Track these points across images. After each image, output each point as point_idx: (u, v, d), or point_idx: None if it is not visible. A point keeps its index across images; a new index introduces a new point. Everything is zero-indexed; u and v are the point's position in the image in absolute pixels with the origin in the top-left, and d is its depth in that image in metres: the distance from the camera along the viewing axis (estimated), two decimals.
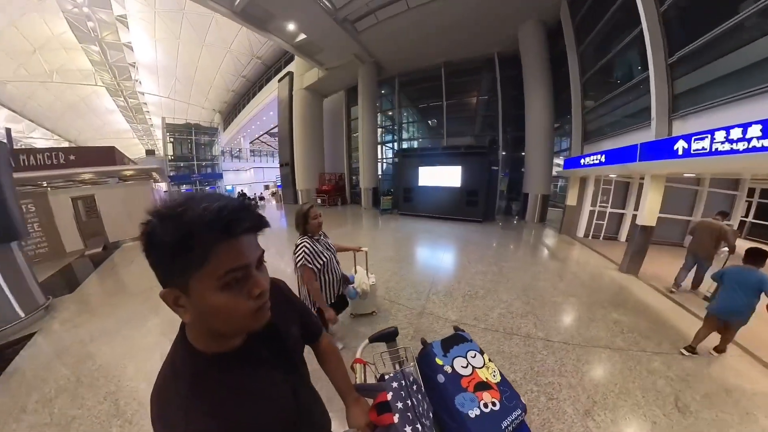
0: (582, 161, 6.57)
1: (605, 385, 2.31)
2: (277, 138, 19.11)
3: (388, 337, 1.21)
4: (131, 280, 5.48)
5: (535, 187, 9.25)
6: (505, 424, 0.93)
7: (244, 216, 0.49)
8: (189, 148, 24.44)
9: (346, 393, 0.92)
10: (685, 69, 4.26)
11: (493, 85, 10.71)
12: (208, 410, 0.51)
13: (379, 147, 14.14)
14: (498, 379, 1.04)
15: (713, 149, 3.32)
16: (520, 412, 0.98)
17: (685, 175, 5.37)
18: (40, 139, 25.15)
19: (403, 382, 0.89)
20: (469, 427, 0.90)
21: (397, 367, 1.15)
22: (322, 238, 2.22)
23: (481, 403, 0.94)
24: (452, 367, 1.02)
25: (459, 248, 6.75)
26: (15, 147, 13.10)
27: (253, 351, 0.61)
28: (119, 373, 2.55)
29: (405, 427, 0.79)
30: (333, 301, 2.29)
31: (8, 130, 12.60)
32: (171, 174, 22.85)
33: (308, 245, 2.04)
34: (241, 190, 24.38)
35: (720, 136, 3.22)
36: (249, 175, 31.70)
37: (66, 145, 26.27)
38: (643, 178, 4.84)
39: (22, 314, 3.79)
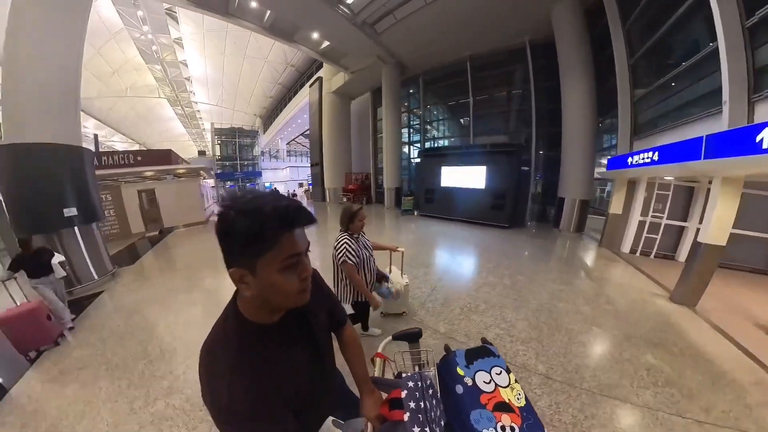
0: (629, 160, 5.39)
1: None
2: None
3: (411, 337, 1.21)
4: (178, 258, 6.81)
5: (573, 190, 7.98)
6: None
7: (301, 214, 0.59)
8: (233, 149, 27.00)
9: (363, 383, 0.96)
10: None
11: (524, 77, 9.44)
12: (249, 369, 0.60)
13: (406, 147, 14.13)
14: (522, 403, 0.93)
15: None
16: None
17: None
18: (119, 142, 29.79)
19: (419, 383, 0.88)
20: None
21: (417, 368, 1.17)
22: (361, 237, 2.30)
23: (499, 425, 0.86)
24: (473, 380, 0.95)
25: (473, 255, 6.26)
26: (99, 150, 16.28)
27: (288, 327, 0.70)
28: (153, 328, 3.42)
29: (414, 427, 0.78)
30: (365, 299, 2.33)
31: (96, 136, 15.52)
32: (218, 172, 25.64)
33: (348, 242, 2.13)
34: (289, 191, 26.47)
35: None
36: (285, 174, 33.93)
37: (137, 147, 30.82)
38: (711, 182, 3.66)
39: (95, 277, 5.07)
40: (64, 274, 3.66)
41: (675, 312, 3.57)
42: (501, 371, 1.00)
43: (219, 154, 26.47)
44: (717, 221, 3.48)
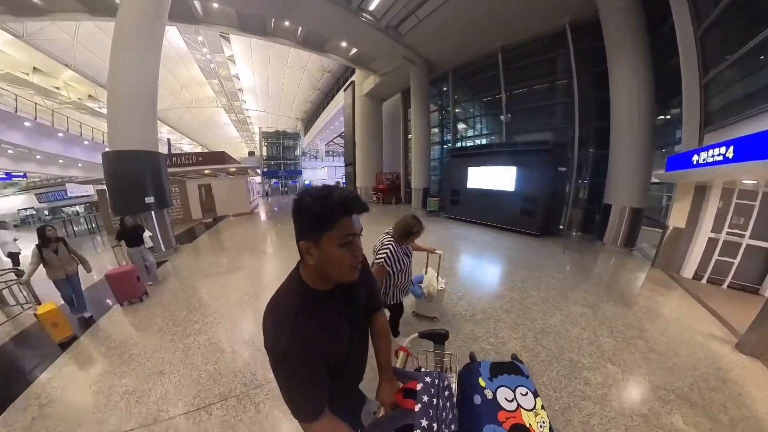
0: (694, 158, 4.12)
1: None
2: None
3: (437, 338, 1.22)
4: (225, 241, 8.32)
5: (622, 196, 6.65)
6: None
7: (359, 202, 0.74)
8: (278, 150, 29.82)
9: (384, 370, 1.04)
10: None
11: (565, 65, 8.17)
12: (304, 323, 0.74)
13: (438, 147, 13.91)
14: (545, 431, 0.86)
15: None
16: None
17: None
18: (186, 145, 35.00)
19: (436, 381, 0.90)
20: None
21: (438, 370, 1.17)
22: (405, 245, 2.28)
23: None
24: (494, 393, 0.90)
25: (488, 262, 5.87)
26: (172, 151, 19.54)
27: (336, 296, 0.83)
28: (197, 290, 4.57)
29: (422, 419, 0.80)
30: (398, 302, 2.38)
31: (168, 140, 18.78)
32: (264, 170, 28.56)
33: (392, 249, 2.10)
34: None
35: None
36: (323, 173, 36.12)
37: (200, 148, 36.14)
38: None
39: (163, 249, 6.65)
40: (152, 244, 4.89)
41: (739, 365, 2.62)
42: (527, 393, 0.92)
43: (265, 154, 29.32)
44: None
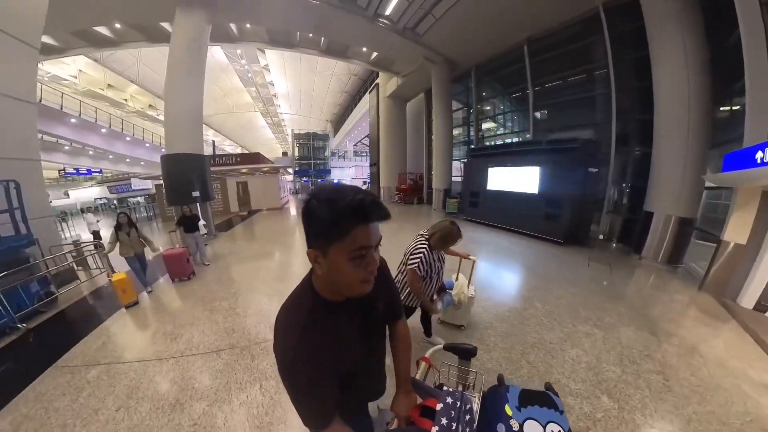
0: (759, 155, 3.29)
1: None
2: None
3: (464, 353, 1.13)
4: (257, 231, 9.53)
5: (667, 202, 5.54)
6: None
7: (377, 209, 0.61)
8: (308, 151, 31.67)
9: (402, 380, 0.99)
10: None
11: (600, 52, 7.18)
12: (313, 335, 0.69)
13: (465, 147, 13.37)
14: None
15: None
16: None
17: None
18: (228, 146, 38.55)
19: (458, 403, 0.83)
20: None
21: (460, 387, 1.10)
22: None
23: None
24: (521, 426, 0.80)
25: (498, 267, 5.49)
26: (216, 152, 22.18)
27: (349, 308, 0.76)
28: (229, 269, 5.45)
29: None
30: (412, 304, 2.32)
31: (213, 142, 21.14)
32: (296, 169, 30.40)
33: (426, 253, 2.05)
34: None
35: None
36: (351, 172, 37.40)
37: (240, 149, 39.41)
38: None
39: (205, 235, 7.81)
40: (205, 232, 6.04)
41: None
42: (560, 431, 0.81)
43: (297, 154, 31.23)
44: None
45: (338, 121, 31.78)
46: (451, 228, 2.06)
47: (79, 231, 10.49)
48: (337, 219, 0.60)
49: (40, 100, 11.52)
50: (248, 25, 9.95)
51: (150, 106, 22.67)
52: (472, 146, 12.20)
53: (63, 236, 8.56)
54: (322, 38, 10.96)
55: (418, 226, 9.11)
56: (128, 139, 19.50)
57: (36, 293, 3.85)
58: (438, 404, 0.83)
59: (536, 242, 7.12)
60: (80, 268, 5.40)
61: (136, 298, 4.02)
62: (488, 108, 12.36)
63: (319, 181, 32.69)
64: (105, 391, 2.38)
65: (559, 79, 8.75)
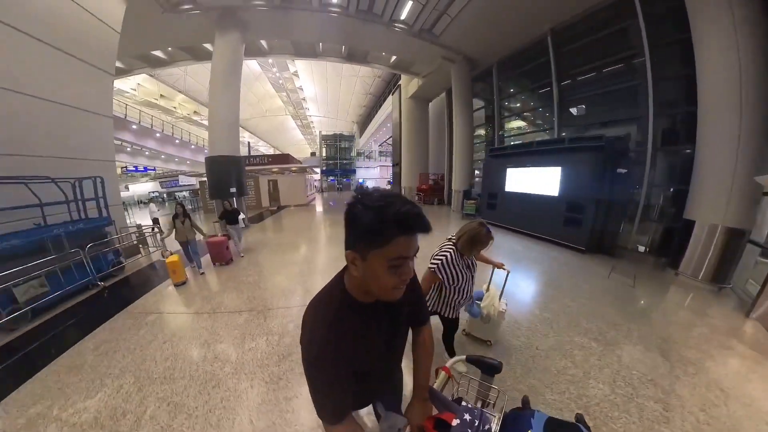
0: None
1: None
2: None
3: (487, 368, 1.06)
4: (284, 224, 10.64)
5: (712, 209, 4.55)
6: None
7: (421, 221, 0.65)
8: (335, 151, 33.09)
9: (420, 387, 0.98)
10: None
11: (634, 39, 6.36)
12: (339, 331, 0.73)
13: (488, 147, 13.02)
14: None
15: None
16: None
17: None
18: (262, 146, 41.43)
19: (476, 422, 0.80)
20: None
21: (479, 404, 1.06)
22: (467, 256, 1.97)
23: None
24: None
25: (501, 272, 4.95)
26: (251, 152, 24.49)
27: (375, 310, 0.80)
28: (258, 254, 6.29)
29: None
30: (453, 317, 2.12)
31: (249, 143, 23.30)
32: (323, 169, 31.96)
33: (450, 257, 1.85)
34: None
35: None
36: (376, 172, 38.26)
37: (272, 150, 42.06)
38: None
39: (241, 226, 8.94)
40: (245, 225, 6.82)
41: None
42: None
43: (324, 155, 32.80)
44: None
45: (364, 122, 32.73)
46: (479, 229, 1.85)
47: (137, 219, 12.38)
48: (381, 228, 0.63)
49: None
50: (276, 41, 11.11)
51: (195, 112, 25.49)
52: (495, 146, 11.35)
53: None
54: (343, 46, 11.78)
55: (434, 227, 9.33)
56: (177, 141, 22.45)
57: (111, 261, 5.01)
58: (454, 420, 0.80)
59: (555, 248, 6.57)
60: (141, 246, 6.66)
61: (185, 277, 4.59)
62: (511, 106, 11.70)
63: (345, 180, 34.08)
64: (157, 329, 3.23)
65: (588, 72, 7.86)
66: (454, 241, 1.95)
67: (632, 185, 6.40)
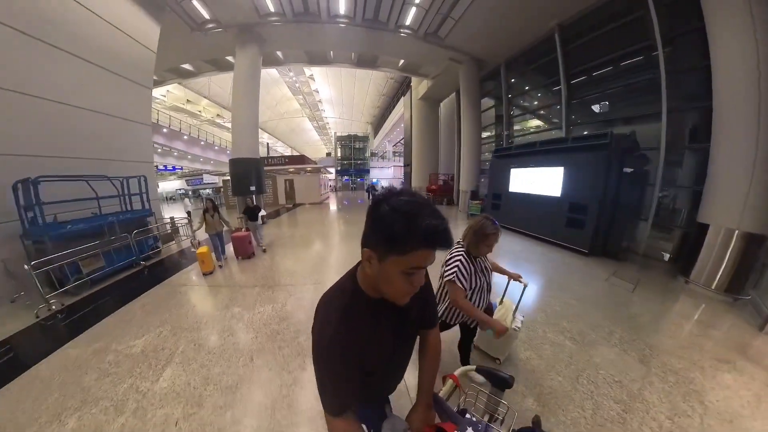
0: None
1: None
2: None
3: (498, 381, 1.01)
4: (299, 219, 11.46)
5: (728, 212, 4.10)
6: None
7: (447, 238, 0.63)
8: (349, 152, 34.05)
9: (424, 392, 0.97)
10: None
11: (645, 31, 5.98)
12: (350, 324, 0.75)
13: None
14: None
15: None
16: None
17: None
18: (280, 147, 43.40)
19: None
20: None
21: (486, 418, 1.02)
22: (480, 258, 1.86)
23: None
24: None
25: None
26: (270, 153, 26.01)
27: (386, 307, 0.80)
28: (275, 245, 6.95)
29: None
30: (471, 325, 2.02)
31: (267, 144, 24.78)
32: (338, 168, 33.02)
33: (463, 261, 1.74)
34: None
35: None
36: (390, 172, 38.88)
37: (290, 150, 43.90)
38: None
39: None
40: (264, 222, 6.47)
41: None
42: None
43: (339, 155, 33.88)
44: None
45: (378, 123, 33.38)
46: (483, 221, 1.74)
47: (166, 213, 13.66)
48: (406, 238, 0.62)
49: None
50: (290, 51, 12.04)
51: (218, 115, 27.31)
52: (501, 146, 11.25)
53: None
54: (352, 53, 12.48)
55: None
56: (202, 143, 24.43)
57: (150, 245, 5.99)
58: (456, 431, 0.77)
59: (557, 250, 6.38)
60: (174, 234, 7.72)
61: (213, 267, 4.99)
62: (520, 105, 11.56)
63: (358, 180, 34.86)
64: (187, 297, 4.01)
65: (596, 69, 7.63)
66: (463, 244, 1.84)
67: (641, 186, 6.07)
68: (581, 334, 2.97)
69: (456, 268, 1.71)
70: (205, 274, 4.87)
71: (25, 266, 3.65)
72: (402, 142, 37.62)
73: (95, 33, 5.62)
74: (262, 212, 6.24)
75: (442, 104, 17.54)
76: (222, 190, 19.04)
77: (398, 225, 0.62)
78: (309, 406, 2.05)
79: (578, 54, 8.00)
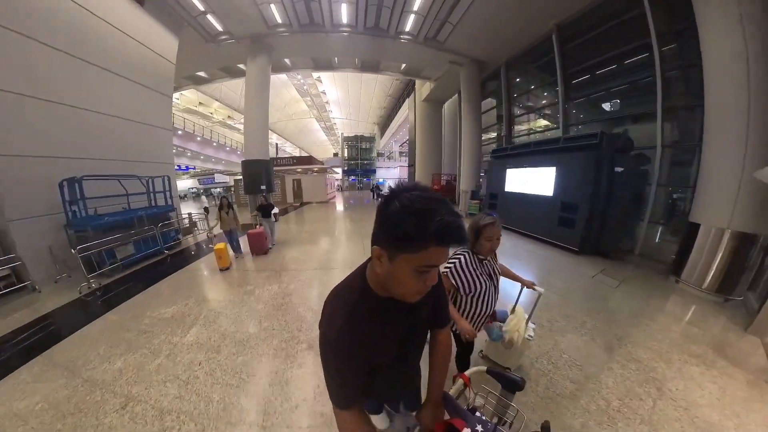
0: None
1: None
2: None
3: (509, 383, 0.99)
4: (307, 218, 11.97)
5: (719, 211, 4.06)
6: None
7: (461, 235, 0.61)
8: (356, 152, 34.70)
9: (434, 391, 0.98)
10: None
11: (641, 29, 6.01)
12: (357, 321, 0.74)
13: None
14: None
15: None
16: None
17: None
18: (289, 147, 44.40)
19: None
20: None
21: (494, 419, 1.01)
22: (489, 260, 1.74)
23: None
24: None
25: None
26: (278, 153, 27.09)
27: (395, 306, 0.78)
28: (283, 240, 7.27)
29: None
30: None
31: (276, 144, 25.82)
32: (344, 169, 33.70)
33: (465, 259, 1.64)
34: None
35: None
36: (396, 172, 39.30)
37: (298, 150, 44.80)
38: None
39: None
40: (277, 220, 6.75)
41: None
42: None
43: (346, 156, 34.59)
44: None
45: (384, 124, 33.93)
46: (480, 216, 1.66)
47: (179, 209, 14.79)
48: (417, 235, 0.59)
49: None
50: (297, 58, 12.79)
51: (228, 117, 28.36)
52: (500, 147, 11.21)
53: None
54: (356, 59, 13.09)
55: None
56: (214, 144, 25.74)
57: (172, 237, 6.73)
58: (465, 428, 0.80)
59: (548, 248, 6.52)
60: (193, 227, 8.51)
61: (229, 263, 5.12)
62: (521, 105, 11.67)
63: (365, 180, 35.44)
64: (207, 278, 4.68)
65: (594, 67, 7.71)
66: (469, 246, 1.71)
67: (636, 185, 6.09)
68: (552, 322, 3.09)
69: (453, 264, 1.64)
70: (221, 270, 5.01)
71: (72, 251, 4.37)
72: (407, 143, 38.35)
73: (124, 49, 6.38)
74: (275, 209, 6.48)
75: (445, 105, 17.85)
76: (233, 189, 20.04)
77: (412, 226, 0.59)
78: (302, 356, 2.61)
79: (575, 54, 8.18)
